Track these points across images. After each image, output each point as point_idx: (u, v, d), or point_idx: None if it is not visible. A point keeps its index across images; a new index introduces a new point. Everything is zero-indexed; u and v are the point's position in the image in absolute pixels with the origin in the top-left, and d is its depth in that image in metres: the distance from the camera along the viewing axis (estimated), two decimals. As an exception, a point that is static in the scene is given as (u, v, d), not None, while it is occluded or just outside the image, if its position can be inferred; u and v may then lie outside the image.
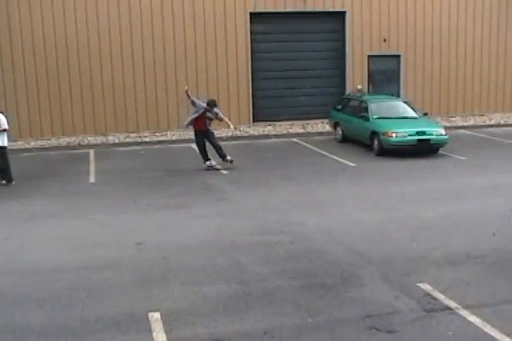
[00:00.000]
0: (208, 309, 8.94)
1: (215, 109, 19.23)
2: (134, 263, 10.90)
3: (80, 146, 24.02)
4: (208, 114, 19.08)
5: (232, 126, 20.00)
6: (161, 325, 8.45)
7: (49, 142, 24.66)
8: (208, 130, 19.34)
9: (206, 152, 19.43)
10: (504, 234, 12.12)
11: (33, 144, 24.38)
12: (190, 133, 25.39)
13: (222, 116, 19.63)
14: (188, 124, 19.31)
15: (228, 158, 19.45)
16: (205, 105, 19.09)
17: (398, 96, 28.02)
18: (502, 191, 15.76)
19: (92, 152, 22.89)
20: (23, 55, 24.86)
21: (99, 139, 25.09)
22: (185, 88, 19.21)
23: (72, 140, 24.94)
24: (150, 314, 8.78)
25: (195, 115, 19.02)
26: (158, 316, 8.71)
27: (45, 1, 24.70)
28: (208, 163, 19.38)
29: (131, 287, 9.80)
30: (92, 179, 18.34)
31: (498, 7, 29.61)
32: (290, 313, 8.75)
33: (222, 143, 23.28)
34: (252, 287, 9.69)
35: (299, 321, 8.52)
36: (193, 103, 19.19)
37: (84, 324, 8.54)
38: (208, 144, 19.40)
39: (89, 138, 25.21)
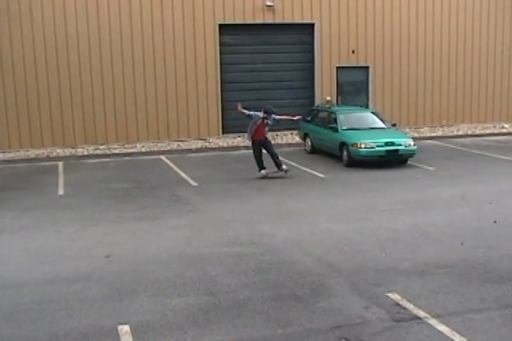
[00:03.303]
0: (178, 321, 8.92)
1: (273, 116, 19.46)
2: (103, 276, 10.84)
3: (48, 158, 23.86)
4: (267, 121, 19.25)
5: (296, 117, 20.88)
6: (131, 338, 8.41)
7: (17, 154, 24.48)
8: (266, 139, 19.50)
9: (262, 161, 19.53)
10: (472, 244, 12.23)
11: (0, 156, 24.17)
12: (160, 145, 25.49)
13: (281, 117, 20.13)
14: (250, 137, 19.54)
15: (284, 167, 19.55)
16: (261, 115, 19.26)
17: (367, 107, 28.18)
18: (470, 201, 15.91)
19: (60, 164, 22.75)
20: (-10, 67, 24.75)
21: (67, 151, 24.93)
22: (238, 108, 19.58)
23: (41, 152, 24.77)
24: (119, 327, 8.74)
25: (254, 126, 19.21)
26: (128, 329, 8.67)
27: (12, 16, 24.55)
28: (263, 171, 19.49)
29: (100, 300, 9.75)
30: (60, 191, 18.22)
31: (464, 20, 29.96)
32: (260, 324, 8.75)
33: (191, 155, 23.39)
34: (221, 298, 9.68)
35: (269, 332, 8.51)
36: (249, 116, 19.45)
37: (52, 337, 8.47)
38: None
39: (57, 151, 25.04)
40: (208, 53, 26.92)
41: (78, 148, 25.52)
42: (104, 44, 25.71)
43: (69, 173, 20.96)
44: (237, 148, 25.45)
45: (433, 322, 8.72)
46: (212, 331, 8.57)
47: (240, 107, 19.59)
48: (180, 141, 26.67)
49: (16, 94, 25.05)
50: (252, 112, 19.48)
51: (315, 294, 9.82)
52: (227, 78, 27.57)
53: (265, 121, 19.20)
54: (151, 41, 26.21)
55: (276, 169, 19.58)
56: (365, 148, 20.48)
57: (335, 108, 23.93)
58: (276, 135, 27.61)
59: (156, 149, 25.12)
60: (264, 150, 19.48)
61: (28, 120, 25.30)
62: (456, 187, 17.61)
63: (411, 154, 21.05)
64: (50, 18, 25.00)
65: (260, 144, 19.43)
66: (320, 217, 14.55)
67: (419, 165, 20.99)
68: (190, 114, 26.97)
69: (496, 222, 13.74)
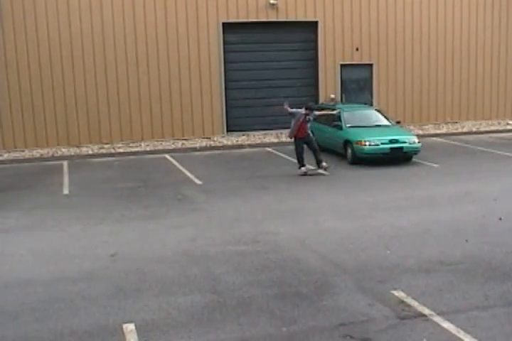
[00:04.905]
0: (183, 319, 8.93)
1: (314, 112, 19.96)
2: (108, 275, 10.86)
3: (53, 158, 23.88)
4: (309, 118, 19.57)
5: (335, 111, 21.94)
6: (136, 336, 8.42)
7: (22, 154, 24.51)
8: (309, 135, 19.77)
9: (303, 158, 19.65)
10: (476, 241, 12.22)
11: (6, 156, 24.21)
12: (164, 144, 25.50)
13: (321, 113, 21.26)
14: (292, 135, 19.76)
15: (324, 164, 19.69)
16: (303, 111, 19.53)
17: (371, 104, 28.18)
18: (474, 198, 15.90)
19: (65, 163, 22.79)
20: (-6, 67, 24.80)
21: (72, 150, 24.97)
22: (285, 106, 19.88)
23: (46, 151, 24.81)
24: (124, 325, 8.76)
25: (297, 123, 19.46)
26: (133, 327, 8.69)
27: (16, 16, 24.60)
28: (303, 168, 19.55)
29: (105, 298, 9.77)
30: (65, 191, 18.25)
31: (468, 17, 29.92)
32: (265, 322, 8.75)
33: (195, 153, 23.43)
34: (226, 297, 9.69)
35: (273, 330, 8.52)
36: (291, 114, 19.71)
37: (58, 336, 8.49)
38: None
39: (62, 150, 25.08)
40: (211, 52, 26.94)
41: (83, 147, 25.56)
42: (108, 43, 25.74)
43: (74, 172, 20.99)
44: (242, 146, 25.46)
45: (438, 319, 8.72)
46: (216, 329, 8.58)
47: (286, 106, 19.87)
48: (185, 139, 26.70)
49: (20, 93, 25.10)
50: (294, 110, 19.73)
51: (319, 292, 9.82)
52: (231, 76, 27.58)
53: (307, 117, 19.43)
54: (155, 40, 26.23)
55: (315, 166, 19.76)
56: (369, 145, 20.47)
57: (339, 105, 23.89)
58: (281, 133, 27.62)
59: (160, 148, 25.13)
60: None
61: (33, 119, 25.35)
62: (460, 184, 17.59)
63: (415, 151, 21.04)
64: (54, 17, 25.03)
65: (304, 141, 19.62)
66: (324, 215, 14.55)
67: (424, 162, 20.97)
68: (195, 112, 27.00)
69: (500, 218, 13.72)
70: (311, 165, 19.72)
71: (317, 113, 20.30)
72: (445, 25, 29.71)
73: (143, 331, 8.58)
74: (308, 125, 19.65)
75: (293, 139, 19.87)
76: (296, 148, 19.68)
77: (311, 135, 19.88)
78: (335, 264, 11.11)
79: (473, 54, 30.34)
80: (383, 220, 13.95)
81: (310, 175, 19.39)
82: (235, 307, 9.29)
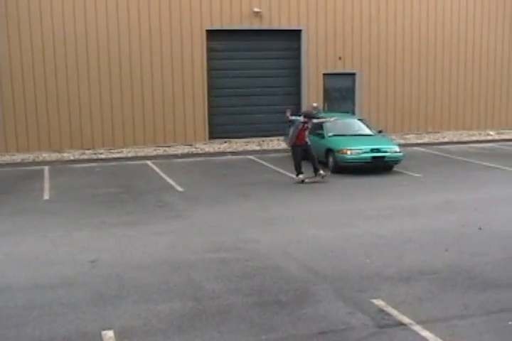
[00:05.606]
0: (162, 326, 8.89)
1: (313, 120, 19.93)
2: (88, 281, 10.79)
3: (34, 163, 23.77)
4: (307, 126, 19.51)
5: (332, 119, 21.62)
6: (115, 343, 8.39)
7: (3, 159, 24.37)
8: (307, 143, 19.67)
9: (301, 166, 19.57)
10: (456, 250, 12.26)
11: (-14, 161, 24.11)
12: (146, 151, 25.44)
13: (319, 121, 20.93)
14: (292, 143, 19.69)
15: (321, 172, 19.62)
16: (302, 119, 19.46)
17: (353, 113, 28.26)
18: (455, 207, 15.96)
19: (46, 169, 22.66)
20: (-24, 71, 24.68)
21: (54, 156, 24.87)
22: (287, 114, 19.82)
23: (27, 156, 24.70)
24: (103, 332, 8.70)
25: (296, 131, 19.40)
26: (112, 334, 8.63)
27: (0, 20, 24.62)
28: (301, 176, 19.52)
29: (84, 305, 9.70)
30: (46, 196, 18.15)
31: (450, 28, 30.10)
32: (244, 330, 8.73)
33: (177, 160, 23.34)
34: (206, 304, 9.66)
35: (253, 338, 8.50)
36: (291, 121, 19.72)
37: (36, 343, 8.45)
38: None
39: (44, 155, 24.97)
40: (195, 59, 26.95)
41: (64, 152, 25.45)
42: (90, 49, 25.68)
43: (55, 178, 20.88)
44: (224, 153, 25.45)
45: (417, 328, 8.73)
46: (196, 337, 8.54)
47: (288, 113, 19.84)
48: (167, 146, 26.66)
49: (2, 98, 24.98)
50: (293, 117, 19.72)
51: (300, 300, 9.81)
52: (214, 84, 27.60)
53: (305, 125, 19.41)
54: (138, 46, 26.21)
55: (312, 174, 19.69)
56: (351, 154, 20.53)
57: (321, 114, 23.90)
58: (263, 141, 27.67)
59: (142, 154, 25.09)
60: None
61: (14, 124, 25.23)
62: (441, 193, 17.66)
63: (397, 161, 21.11)
64: (37, 25, 24.95)
65: (302, 149, 19.58)
66: (305, 223, 14.55)
67: (406, 171, 21.05)
68: (177, 119, 26.98)
69: (480, 228, 13.78)
70: (291, 173, 19.73)
71: (315, 121, 20.26)
72: (427, 35, 29.89)
73: (122, 338, 8.53)
74: (307, 133, 19.62)
75: (290, 147, 19.88)
76: (295, 156, 19.64)
77: (309, 143, 19.82)
78: (315, 272, 11.11)
79: (455, 65, 30.55)
80: (364, 229, 13.97)
81: (307, 182, 19.39)
82: (215, 315, 9.26)
